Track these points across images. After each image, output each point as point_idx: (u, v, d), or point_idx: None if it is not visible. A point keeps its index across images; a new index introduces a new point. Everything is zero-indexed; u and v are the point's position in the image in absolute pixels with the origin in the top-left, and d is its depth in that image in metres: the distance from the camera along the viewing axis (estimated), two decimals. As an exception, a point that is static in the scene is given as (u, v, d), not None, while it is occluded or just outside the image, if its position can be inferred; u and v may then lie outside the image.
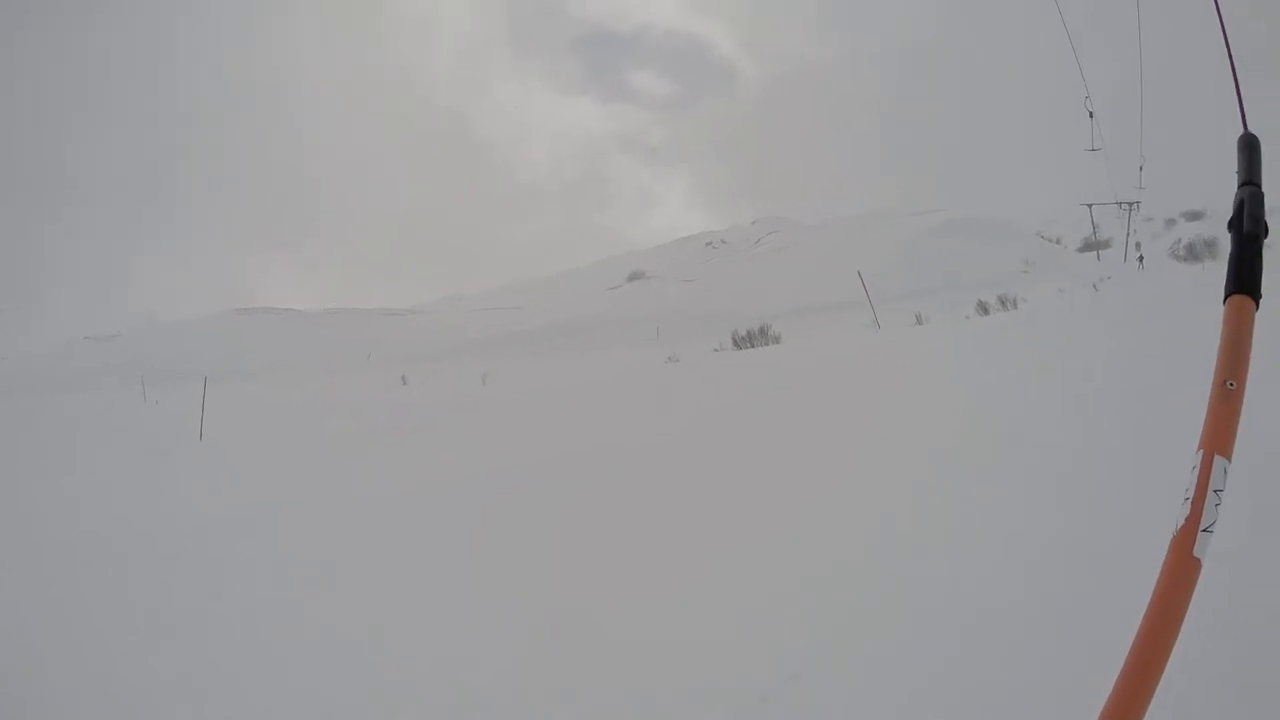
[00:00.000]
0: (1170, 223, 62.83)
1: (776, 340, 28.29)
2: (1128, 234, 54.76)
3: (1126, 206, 53.55)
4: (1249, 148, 1.19)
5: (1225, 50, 1.42)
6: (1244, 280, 1.04)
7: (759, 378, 12.97)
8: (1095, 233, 60.85)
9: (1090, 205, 57.61)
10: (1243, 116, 1.31)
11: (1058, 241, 63.28)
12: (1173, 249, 43.20)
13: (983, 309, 26.42)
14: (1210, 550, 0.82)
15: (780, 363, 15.32)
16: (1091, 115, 20.10)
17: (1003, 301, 26.87)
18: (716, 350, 29.24)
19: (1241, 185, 1.14)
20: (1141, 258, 53.39)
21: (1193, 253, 39.08)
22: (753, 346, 27.50)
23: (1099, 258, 52.75)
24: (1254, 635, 2.27)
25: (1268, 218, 1.08)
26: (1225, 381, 0.96)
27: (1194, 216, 60.69)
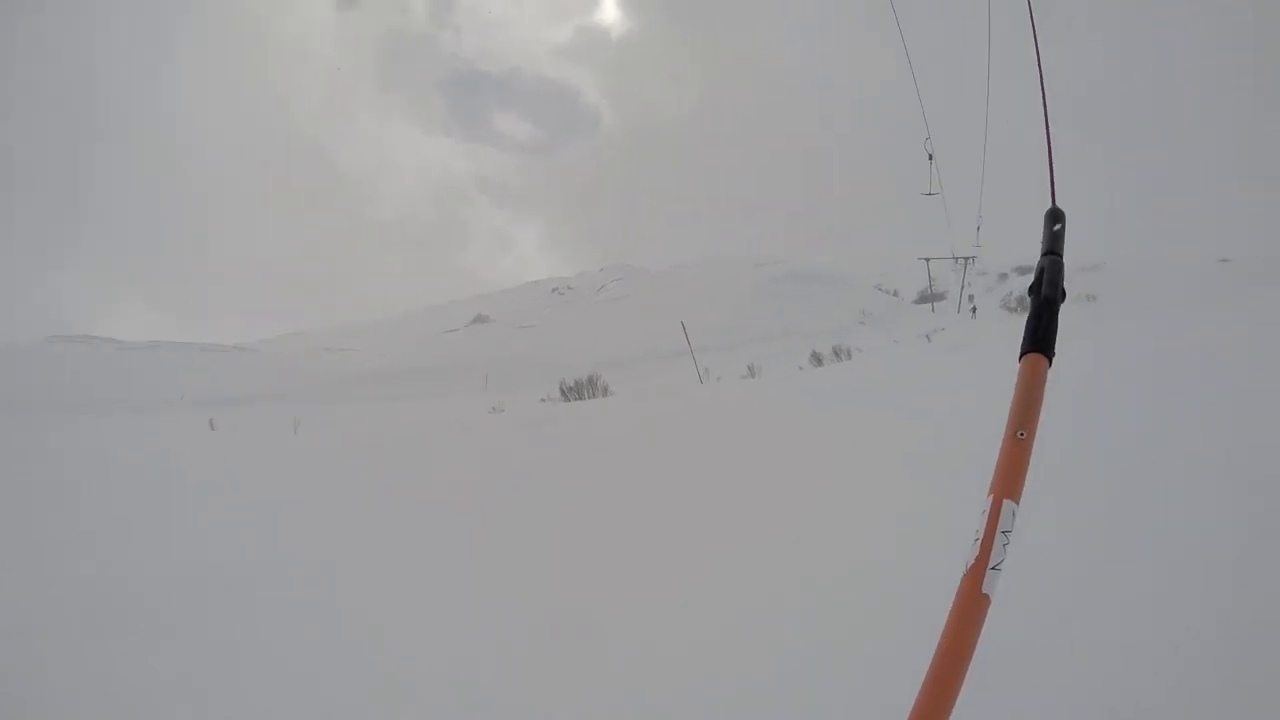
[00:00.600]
0: (1003, 276, 66.00)
1: (605, 391, 26.92)
2: (962, 287, 56.87)
3: (962, 261, 55.66)
4: (1053, 221, 1.38)
5: (1045, 130, 1.67)
6: (1039, 340, 1.19)
7: (555, 450, 11.19)
8: (931, 285, 63.09)
9: (927, 259, 59.91)
10: (1052, 191, 1.56)
11: (895, 294, 65.20)
12: (1004, 301, 44.62)
13: (816, 360, 25.18)
14: (998, 587, 0.92)
15: (589, 429, 13.99)
16: (931, 158, 20.23)
17: (837, 352, 25.77)
18: (543, 400, 27.28)
19: (1044, 254, 1.31)
20: (975, 309, 55.66)
21: (1023, 304, 39.67)
22: (580, 398, 25.39)
23: (934, 309, 54.29)
24: (1255, 636, 2.50)
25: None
26: (1016, 432, 1.09)
27: (1025, 271, 63.58)
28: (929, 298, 60.72)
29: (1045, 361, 1.18)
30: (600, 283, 69.24)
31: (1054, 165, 1.60)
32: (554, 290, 70.39)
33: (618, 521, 5.85)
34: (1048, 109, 1.75)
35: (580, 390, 26.18)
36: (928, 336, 28.85)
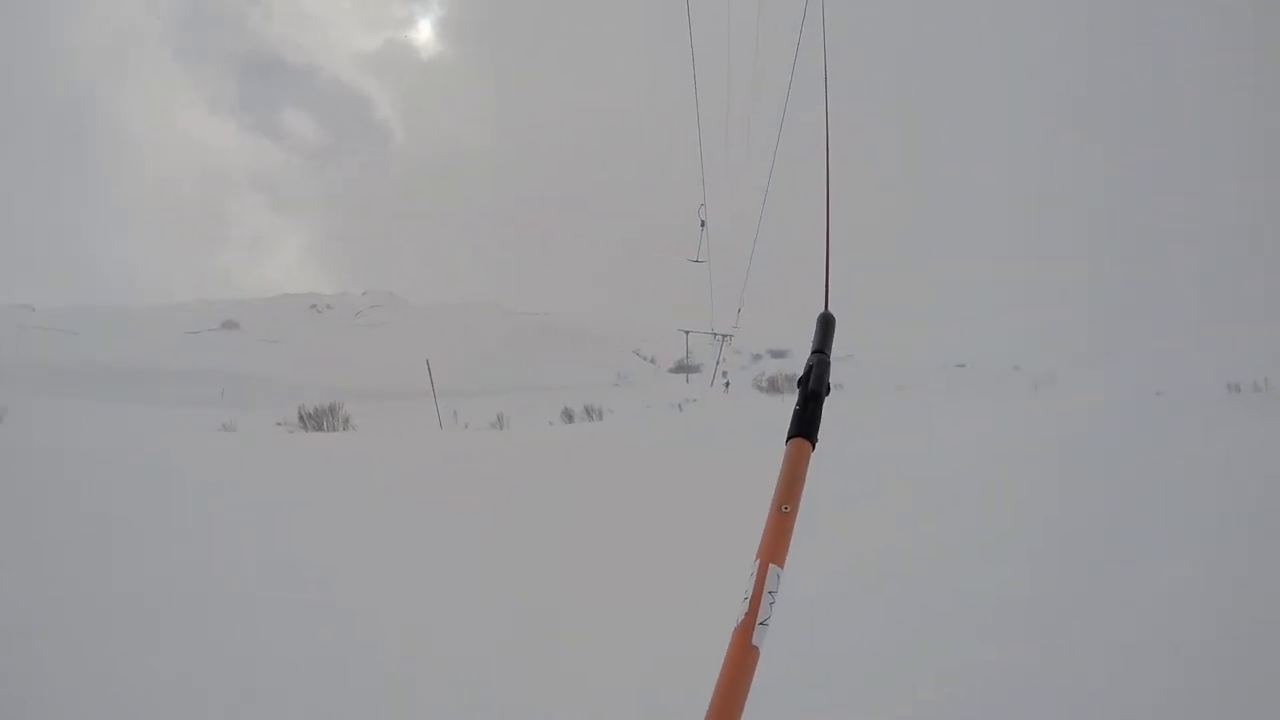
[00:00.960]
0: (757, 357, 68.89)
1: (346, 424, 24.41)
2: (717, 361, 58.96)
3: (720, 337, 57.86)
4: (825, 324, 1.49)
5: (825, 238, 1.80)
6: (804, 427, 1.28)
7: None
8: (688, 357, 64.95)
9: (687, 332, 61.75)
10: (826, 297, 1.67)
11: (652, 360, 66.23)
12: (756, 380, 46.21)
13: (568, 417, 24.06)
14: (766, 639, 1.00)
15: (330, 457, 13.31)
16: (703, 224, 19.34)
17: (589, 411, 24.79)
18: (279, 425, 24.46)
19: (814, 352, 1.41)
20: (728, 384, 57.93)
21: (774, 385, 41.64)
22: (320, 428, 22.75)
23: (688, 380, 55.59)
24: (1256, 636, 2.93)
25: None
26: (781, 506, 1.18)
27: (779, 354, 66.80)
28: (685, 368, 62.28)
29: (809, 446, 1.30)
30: (359, 307, 64.84)
31: (829, 272, 1.78)
32: (312, 306, 65.13)
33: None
34: (830, 222, 1.88)
35: (320, 420, 23.35)
36: (680, 406, 28.71)
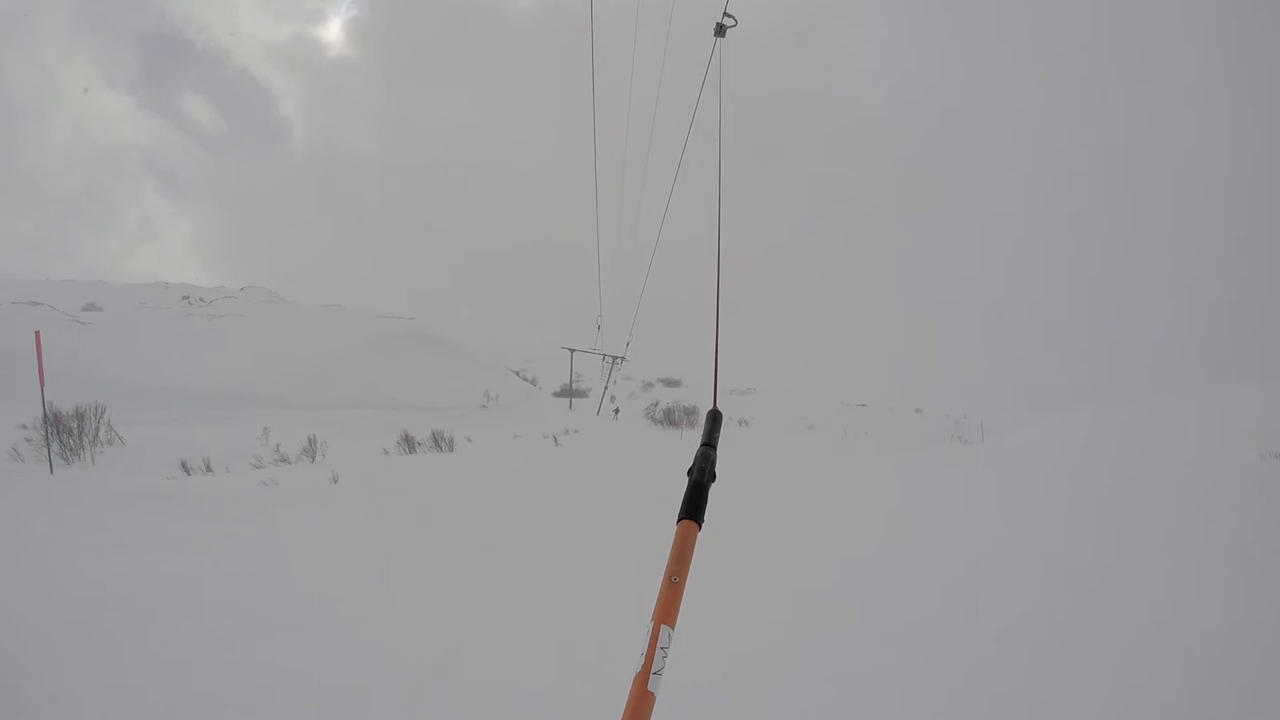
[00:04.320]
0: (648, 385, 65.86)
1: (110, 441, 19.78)
2: (606, 386, 55.52)
3: (610, 359, 54.67)
4: (713, 419, 1.99)
5: (715, 340, 2.58)
6: (692, 510, 1.65)
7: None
8: (573, 380, 61.22)
9: (571, 350, 58.22)
10: (715, 393, 2.39)
11: (533, 381, 62.24)
12: (649, 410, 42.77)
13: (408, 445, 19.80)
14: (662, 685, 1.33)
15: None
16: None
17: (438, 439, 20.59)
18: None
19: (702, 445, 1.83)
20: (617, 410, 54.55)
21: (670, 417, 38.07)
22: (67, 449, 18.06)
23: (571, 405, 51.81)
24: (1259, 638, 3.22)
25: None
26: (672, 577, 1.49)
27: (672, 383, 63.95)
28: (570, 393, 58.24)
29: (696, 526, 1.63)
30: (231, 305, 58.78)
31: (719, 371, 2.43)
32: (184, 297, 58.35)
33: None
34: (720, 324, 2.51)
35: (71, 431, 18.42)
36: (555, 438, 24.74)
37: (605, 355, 52.65)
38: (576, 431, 30.14)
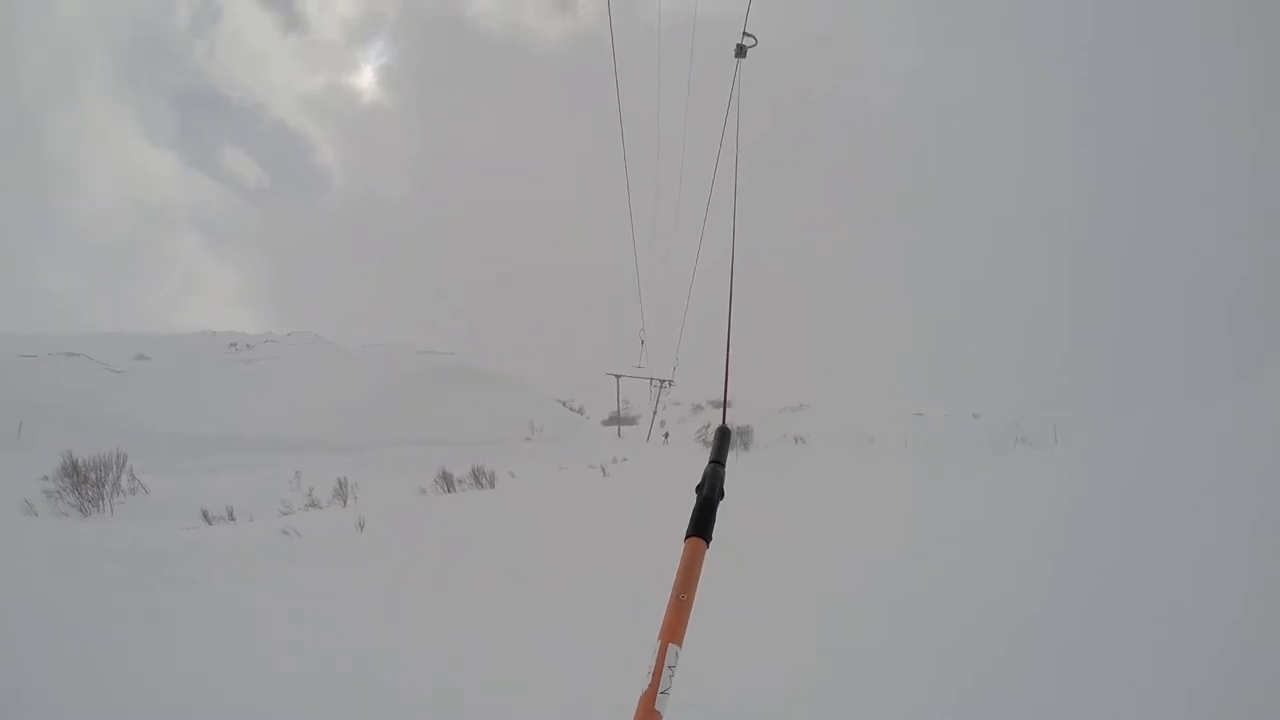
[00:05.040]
0: (698, 408, 64.50)
1: (133, 491, 19.06)
2: (654, 411, 54.15)
3: (657, 383, 53.39)
4: (722, 436, 1.98)
5: (725, 360, 2.49)
6: (700, 528, 1.64)
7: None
8: (623, 407, 59.95)
9: (618, 376, 56.98)
10: (724, 410, 2.30)
11: (580, 410, 61.07)
12: (700, 434, 41.20)
13: (446, 484, 18.57)
14: (666, 706, 1.33)
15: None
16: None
17: (478, 475, 19.34)
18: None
19: (711, 462, 1.84)
20: (666, 434, 53.06)
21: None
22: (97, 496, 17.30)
23: (620, 434, 50.49)
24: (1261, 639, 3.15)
25: None
26: (680, 594, 1.49)
27: (721, 404, 62.24)
28: (618, 420, 56.88)
29: (704, 544, 1.63)
30: (280, 346, 58.89)
31: (728, 390, 2.38)
32: (232, 345, 58.55)
33: None
34: (730, 344, 2.48)
35: (93, 477, 17.57)
36: (603, 468, 23.40)
37: (653, 379, 51.43)
38: (625, 460, 28.85)
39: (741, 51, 5.01)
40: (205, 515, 16.06)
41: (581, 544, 11.33)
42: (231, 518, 16.20)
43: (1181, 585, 5.03)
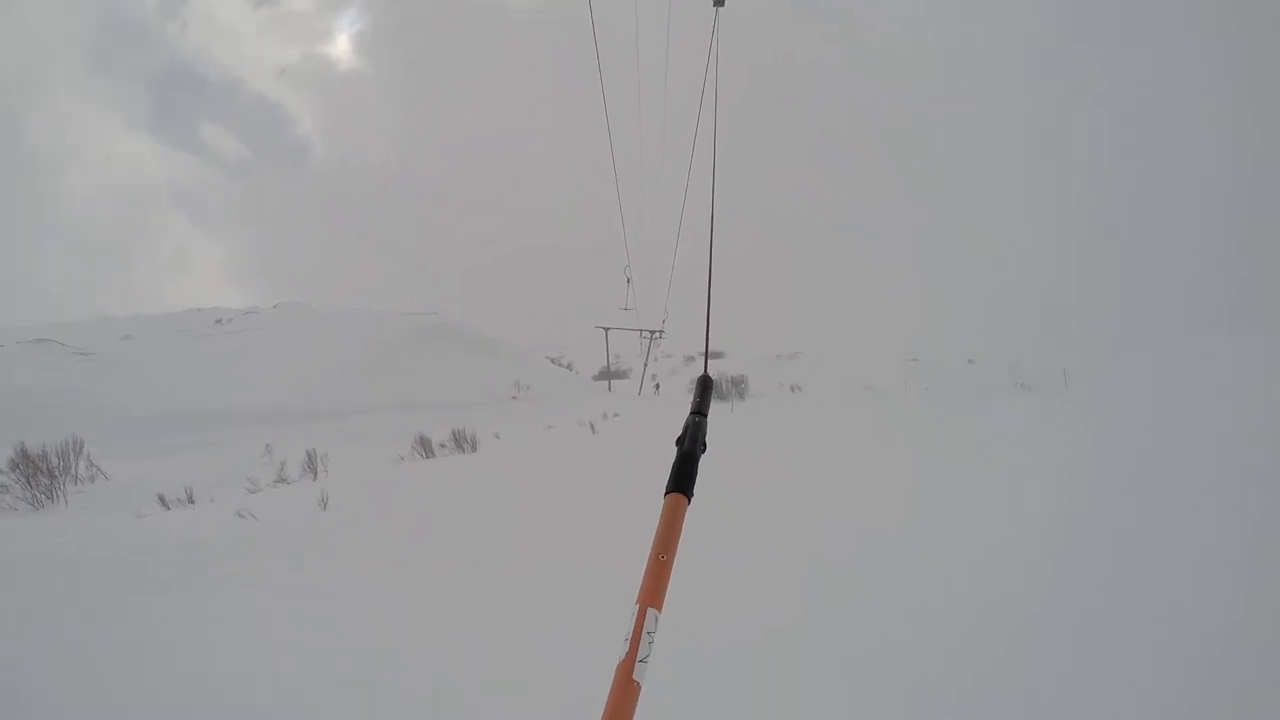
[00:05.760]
0: (689, 359, 63.83)
1: (92, 478, 18.14)
2: (645, 364, 52.97)
3: (647, 335, 52.19)
4: (703, 385, 1.90)
5: (706, 306, 2.47)
6: (681, 483, 1.56)
7: None
8: (612, 361, 58.86)
9: (606, 329, 55.74)
10: (706, 360, 2.18)
11: (569, 366, 60.09)
12: (692, 384, 40.05)
13: (425, 449, 17.51)
14: (648, 674, 1.24)
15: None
16: (629, 281, 22.42)
17: (458, 440, 18.28)
18: None
19: (692, 414, 1.74)
20: (658, 386, 52.12)
21: (717, 390, 35.28)
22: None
23: (610, 388, 49.46)
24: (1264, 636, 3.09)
25: None
26: (659, 555, 1.42)
27: (715, 355, 61.69)
28: (609, 374, 55.85)
29: (685, 500, 1.54)
30: (262, 318, 57.69)
31: (713, 338, 2.32)
32: (217, 321, 57.25)
33: None
34: (712, 295, 2.43)
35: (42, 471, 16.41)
36: (592, 425, 22.31)
37: (642, 331, 50.28)
38: (616, 415, 27.80)
39: (720, 0, 4.95)
40: (162, 500, 14.99)
41: (567, 510, 10.22)
42: (190, 500, 15.14)
43: (1185, 576, 4.64)
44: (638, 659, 1.25)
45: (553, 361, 58.69)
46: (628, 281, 20.25)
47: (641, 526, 4.79)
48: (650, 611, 1.32)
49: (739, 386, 34.83)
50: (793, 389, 37.35)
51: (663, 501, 1.54)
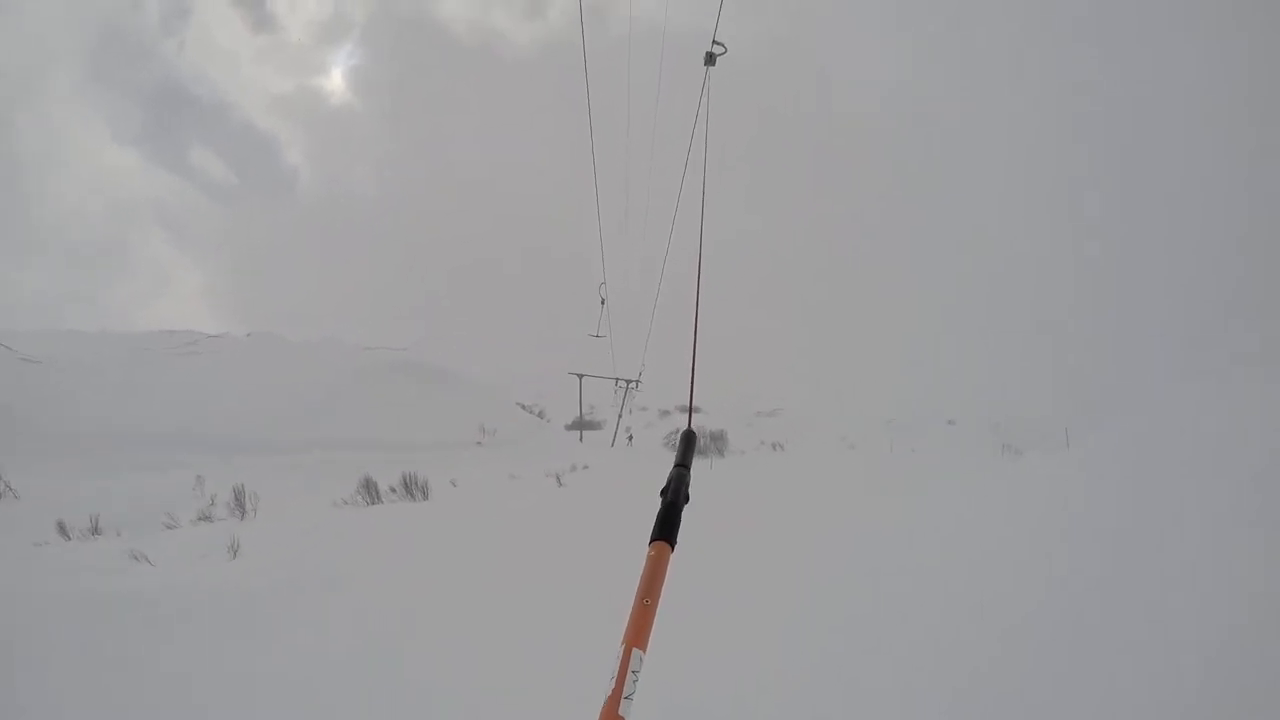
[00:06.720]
0: (665, 413, 62.47)
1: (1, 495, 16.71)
2: (620, 414, 51.52)
3: (624, 383, 50.80)
4: (687, 440, 2.00)
5: (691, 365, 2.62)
6: (665, 532, 1.61)
7: None
8: (586, 411, 57.39)
9: (580, 376, 54.33)
10: (690, 415, 2.30)
11: (541, 414, 58.56)
12: (669, 439, 39.11)
13: (371, 493, 16.01)
14: (631, 712, 1.28)
15: None
16: (604, 302, 20.56)
17: (409, 486, 16.76)
18: None
19: (675, 466, 1.82)
20: (631, 437, 50.54)
21: (696, 447, 34.15)
22: None
23: (582, 438, 47.92)
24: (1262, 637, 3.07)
25: None
26: (644, 599, 1.46)
27: (693, 411, 60.14)
28: (581, 425, 54.30)
29: (669, 548, 1.60)
30: (240, 345, 55.97)
31: (694, 393, 2.48)
32: (189, 344, 55.41)
33: None
34: (697, 350, 2.56)
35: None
36: (559, 477, 20.80)
37: (618, 380, 48.91)
38: (586, 468, 26.34)
39: (711, 59, 5.11)
40: (62, 528, 13.39)
41: (514, 577, 8.67)
42: (96, 531, 13.56)
43: (1181, 582, 4.44)
44: (623, 696, 1.29)
45: (524, 408, 57.13)
46: (602, 303, 19.12)
47: (600, 603, 4.21)
48: (635, 651, 1.36)
49: (718, 443, 33.59)
50: (774, 447, 36.12)
51: (646, 550, 1.59)
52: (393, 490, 17.32)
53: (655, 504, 1.74)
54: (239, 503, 15.03)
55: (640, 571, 1.53)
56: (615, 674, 1.33)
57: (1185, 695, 3.13)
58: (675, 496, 1.70)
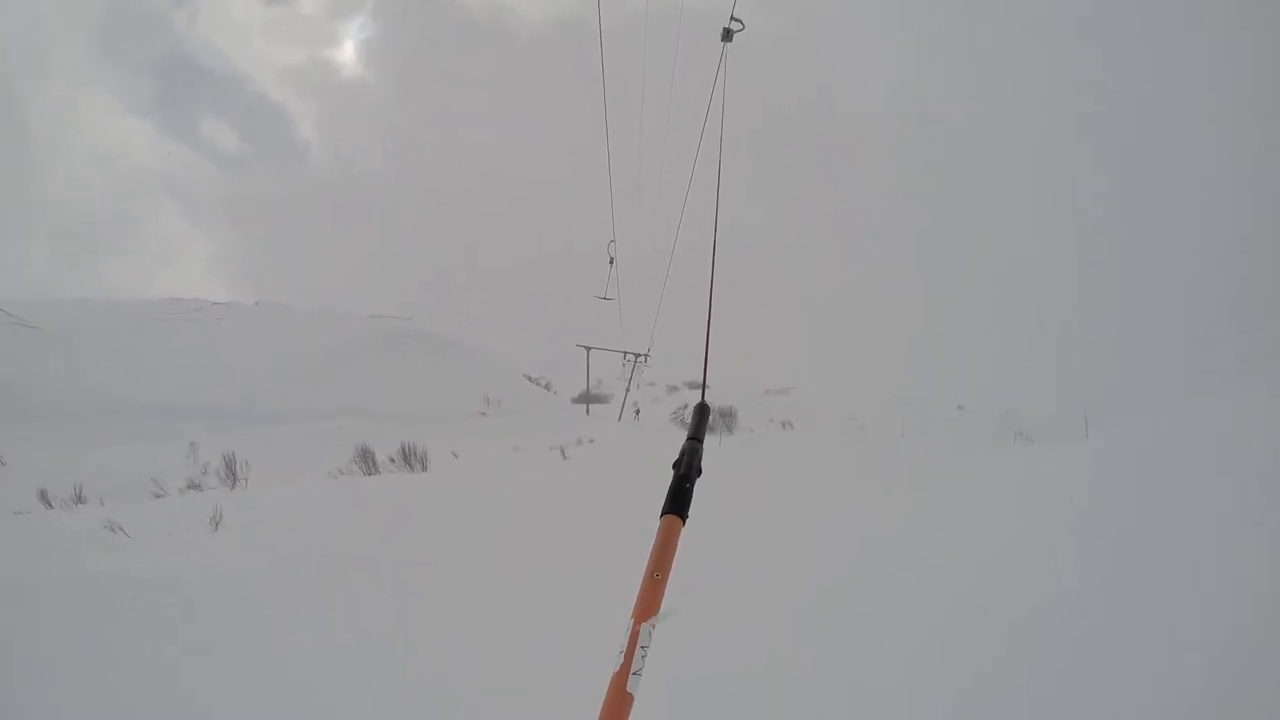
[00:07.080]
0: (673, 389, 62.05)
1: None
2: (628, 388, 50.95)
3: (632, 357, 50.17)
4: (701, 413, 1.94)
5: (705, 336, 2.51)
6: (676, 505, 1.58)
7: None
8: (593, 385, 56.80)
9: (588, 348, 53.68)
10: (704, 388, 2.28)
11: (547, 386, 58.13)
12: (677, 414, 38.57)
13: (368, 463, 15.50)
14: (640, 687, 1.24)
15: None
16: (612, 262, 20.26)
17: (407, 456, 16.23)
18: None
19: (689, 439, 1.78)
20: (638, 412, 49.86)
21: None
22: None
23: (589, 411, 47.37)
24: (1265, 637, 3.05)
25: None
26: (654, 573, 1.43)
27: (697, 385, 59.55)
28: (588, 398, 53.82)
29: (680, 522, 1.57)
30: (246, 312, 55.62)
31: (708, 366, 2.36)
32: (196, 311, 55.02)
33: None
34: (711, 326, 2.48)
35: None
36: (563, 450, 20.29)
37: (626, 353, 48.32)
38: (591, 441, 25.82)
39: (728, 35, 5.06)
40: (44, 497, 12.91)
41: (512, 556, 8.10)
42: (80, 499, 13.09)
43: (1185, 581, 4.22)
44: (631, 671, 1.27)
45: (531, 380, 56.64)
46: (610, 263, 18.58)
47: (601, 587, 4.31)
48: (644, 626, 1.34)
49: (728, 420, 33.13)
50: (784, 425, 35.64)
51: (658, 523, 1.57)
52: (391, 460, 16.82)
53: (661, 480, 1.71)
54: (230, 471, 14.53)
55: (647, 546, 1.52)
56: (623, 649, 1.31)
57: (1189, 695, 3.10)
58: (687, 470, 1.69)
